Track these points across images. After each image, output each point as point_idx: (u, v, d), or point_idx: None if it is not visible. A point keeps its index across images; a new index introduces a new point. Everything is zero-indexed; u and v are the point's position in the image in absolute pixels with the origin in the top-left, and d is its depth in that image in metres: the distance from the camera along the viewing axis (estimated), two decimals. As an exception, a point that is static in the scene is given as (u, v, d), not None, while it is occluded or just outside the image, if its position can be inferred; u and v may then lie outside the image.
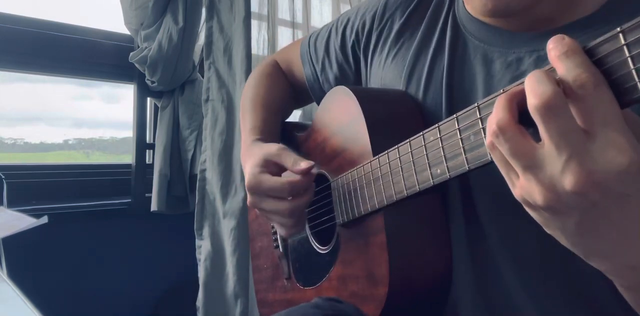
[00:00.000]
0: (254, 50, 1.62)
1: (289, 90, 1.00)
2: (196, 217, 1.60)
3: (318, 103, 0.94)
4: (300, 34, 1.84)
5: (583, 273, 0.59)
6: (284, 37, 1.82)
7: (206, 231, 1.59)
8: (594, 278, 0.58)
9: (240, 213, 1.52)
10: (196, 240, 1.61)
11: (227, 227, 1.54)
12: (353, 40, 0.86)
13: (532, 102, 0.37)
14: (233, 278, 1.52)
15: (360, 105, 0.69)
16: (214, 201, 1.59)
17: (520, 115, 0.39)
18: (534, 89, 0.37)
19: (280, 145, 0.77)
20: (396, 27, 0.79)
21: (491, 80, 0.63)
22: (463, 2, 0.70)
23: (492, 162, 0.46)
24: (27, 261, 1.48)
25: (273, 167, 0.75)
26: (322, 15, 1.95)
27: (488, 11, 0.60)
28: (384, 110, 0.69)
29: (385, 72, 0.78)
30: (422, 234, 0.65)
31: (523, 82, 0.39)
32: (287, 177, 0.74)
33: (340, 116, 0.75)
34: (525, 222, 0.59)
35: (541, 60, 0.60)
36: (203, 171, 1.61)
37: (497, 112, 0.39)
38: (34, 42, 1.60)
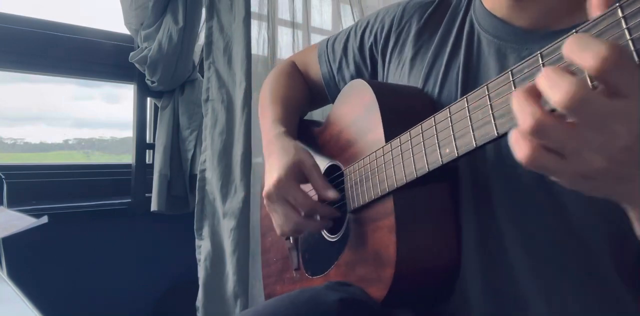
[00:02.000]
0: (254, 50, 1.62)
1: (306, 89, 1.04)
2: (196, 217, 1.60)
3: (333, 102, 0.97)
4: (300, 34, 1.84)
5: (595, 265, 0.60)
6: (284, 37, 1.82)
7: (206, 231, 1.59)
8: (606, 270, 0.59)
9: (240, 213, 1.52)
10: (196, 240, 1.61)
11: (226, 227, 1.54)
12: (371, 42, 0.89)
13: (558, 98, 0.36)
14: (233, 278, 1.52)
15: (376, 96, 0.71)
16: (213, 201, 1.59)
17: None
18: (556, 84, 0.36)
19: (314, 162, 0.79)
20: (414, 29, 0.82)
21: None
22: (481, 0, 0.73)
23: (499, 137, 0.48)
24: (27, 261, 1.48)
25: (302, 176, 0.78)
26: (322, 15, 1.95)
27: None
28: (398, 103, 0.71)
29: (403, 73, 0.80)
30: (431, 219, 0.66)
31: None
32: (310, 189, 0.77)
33: (356, 107, 0.77)
34: (538, 210, 0.61)
35: None
36: (203, 171, 1.61)
37: (524, 109, 0.38)
38: (34, 42, 1.60)
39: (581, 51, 0.35)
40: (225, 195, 1.55)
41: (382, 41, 0.87)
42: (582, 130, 0.36)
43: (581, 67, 0.35)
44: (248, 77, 1.55)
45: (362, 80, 0.76)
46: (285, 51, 1.79)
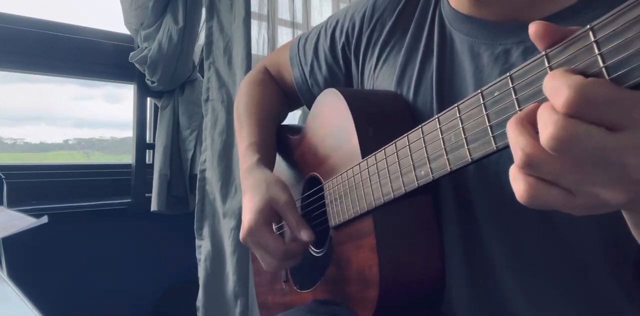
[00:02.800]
0: (254, 50, 1.62)
1: (280, 97, 1.00)
2: (196, 217, 1.60)
3: (307, 106, 0.94)
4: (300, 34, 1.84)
5: (587, 274, 0.58)
6: (284, 37, 1.82)
7: (206, 231, 1.59)
8: (597, 284, 0.58)
9: (240, 213, 1.52)
10: (196, 240, 1.61)
11: (227, 227, 1.54)
12: (343, 42, 0.85)
13: (544, 139, 0.33)
14: (233, 278, 1.52)
15: (349, 108, 0.69)
16: (213, 201, 1.59)
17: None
18: (543, 123, 0.33)
19: (287, 195, 0.76)
20: (387, 27, 0.78)
21: (480, 74, 0.63)
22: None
23: (473, 162, 0.45)
24: (27, 261, 1.48)
25: (275, 216, 0.77)
26: (322, 15, 1.95)
27: None
28: (373, 112, 0.69)
29: (377, 75, 0.78)
30: (413, 235, 0.65)
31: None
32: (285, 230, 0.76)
33: (331, 118, 0.75)
34: (524, 219, 0.59)
35: (529, 52, 0.59)
36: (203, 171, 1.61)
37: (517, 142, 0.35)
38: (34, 42, 1.60)
39: (552, 93, 0.32)
40: (225, 195, 1.55)
41: (354, 41, 0.83)
42: (584, 166, 0.33)
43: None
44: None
45: (335, 90, 0.74)
46: (285, 51, 1.79)
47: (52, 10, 1.70)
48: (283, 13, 1.82)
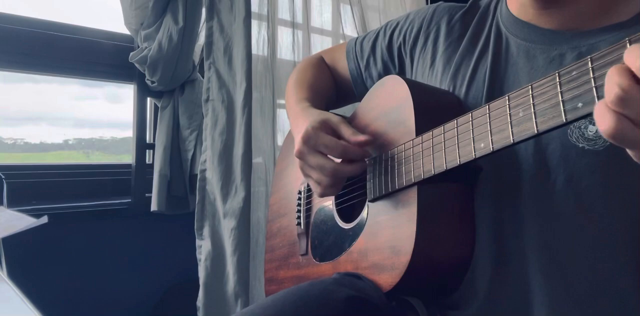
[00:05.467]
0: (254, 50, 1.62)
1: (333, 82, 1.05)
2: (196, 216, 1.60)
3: (360, 99, 0.97)
4: (300, 34, 1.84)
5: (616, 274, 0.59)
6: (284, 37, 1.82)
7: (206, 231, 1.59)
8: (628, 280, 0.59)
9: (241, 213, 1.52)
10: (196, 240, 1.61)
11: (227, 227, 1.54)
12: (400, 42, 0.91)
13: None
14: (233, 278, 1.52)
15: (410, 91, 0.72)
16: (214, 201, 1.59)
17: None
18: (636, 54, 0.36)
19: (339, 117, 0.79)
20: (443, 31, 0.83)
21: (535, 74, 0.66)
22: (506, 4, 0.75)
23: (538, 135, 0.48)
24: (27, 261, 1.48)
25: (330, 131, 0.76)
26: (322, 15, 1.95)
27: (537, 1, 0.65)
28: (430, 100, 0.73)
29: (431, 73, 0.82)
30: (451, 212, 0.68)
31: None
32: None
33: (389, 100, 0.78)
34: (561, 211, 0.61)
35: (583, 56, 0.62)
36: (203, 171, 1.61)
37: (613, 79, 0.38)
38: (34, 42, 1.60)
39: None
40: (225, 195, 1.55)
41: (411, 41, 0.89)
42: None
43: None
44: (248, 77, 1.55)
45: (397, 76, 0.78)
46: (285, 51, 1.79)
47: (52, 10, 1.70)
48: (283, 13, 1.81)
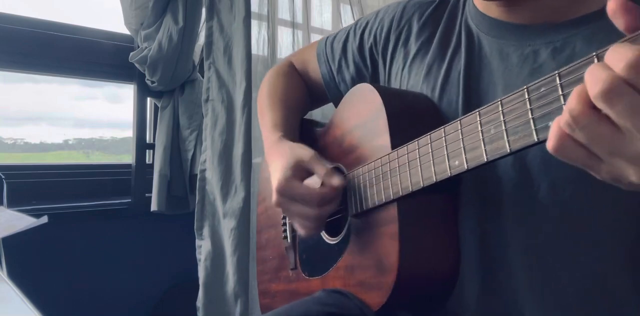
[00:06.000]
0: (254, 50, 1.62)
1: (304, 89, 1.02)
2: (196, 216, 1.60)
3: (334, 103, 0.96)
4: (300, 34, 1.84)
5: (606, 278, 0.59)
6: (284, 37, 1.82)
7: (206, 231, 1.59)
8: (618, 284, 0.58)
9: (240, 213, 1.52)
10: (196, 240, 1.61)
11: (227, 227, 1.54)
12: (371, 43, 0.88)
13: (593, 91, 0.35)
14: (233, 278, 1.52)
15: (383, 101, 0.70)
16: (214, 201, 1.58)
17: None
18: (591, 79, 0.35)
19: (312, 152, 0.77)
20: (414, 30, 0.81)
21: (509, 74, 0.65)
22: (473, 2, 0.73)
23: (511, 153, 0.47)
24: (27, 261, 1.48)
25: (304, 172, 0.77)
26: (322, 15, 1.95)
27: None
28: (405, 109, 0.71)
29: (404, 74, 0.80)
30: (434, 227, 0.67)
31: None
32: (315, 182, 0.76)
33: (362, 111, 0.77)
34: (545, 219, 0.60)
35: (557, 52, 0.61)
36: (203, 171, 1.61)
37: (569, 103, 0.38)
38: (34, 42, 1.60)
39: (614, 55, 0.34)
40: (225, 195, 1.55)
41: (382, 42, 0.86)
42: (619, 137, 0.36)
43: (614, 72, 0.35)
44: (248, 77, 1.55)
45: (369, 85, 0.76)
46: (285, 51, 1.79)
47: (52, 10, 1.70)
48: (283, 13, 1.81)
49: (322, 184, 0.74)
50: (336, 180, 0.72)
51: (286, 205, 0.76)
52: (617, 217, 0.58)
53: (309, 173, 0.76)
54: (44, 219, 0.88)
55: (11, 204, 1.23)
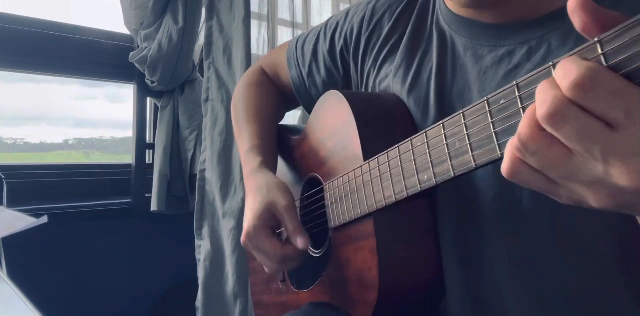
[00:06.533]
0: (254, 50, 1.62)
1: (278, 97, 1.00)
2: (196, 217, 1.60)
3: (305, 107, 0.95)
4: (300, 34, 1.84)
5: (594, 282, 0.58)
6: (284, 37, 1.82)
7: (206, 231, 1.59)
8: (604, 294, 0.58)
9: (240, 213, 1.52)
10: (196, 240, 1.61)
11: (226, 227, 1.54)
12: (342, 46, 0.85)
13: (539, 113, 0.34)
14: (233, 278, 1.52)
15: (352, 110, 0.69)
16: (213, 201, 1.59)
17: None
18: (538, 99, 0.34)
19: (288, 199, 0.75)
20: (385, 31, 0.78)
21: (484, 77, 0.63)
22: (444, 2, 0.70)
23: (477, 168, 0.45)
24: (27, 261, 1.48)
25: (274, 221, 0.76)
26: (322, 15, 1.95)
27: (466, 2, 0.61)
28: (375, 115, 0.69)
29: (376, 77, 0.78)
30: (413, 238, 0.65)
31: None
32: (283, 236, 0.76)
33: (333, 120, 0.76)
34: (528, 226, 0.59)
35: (533, 52, 0.59)
36: (203, 171, 1.61)
37: (519, 126, 0.36)
38: (34, 42, 1.60)
39: (563, 72, 0.33)
40: (225, 195, 1.55)
41: (352, 44, 0.83)
42: (571, 162, 0.34)
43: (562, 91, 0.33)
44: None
45: (338, 92, 0.74)
46: (285, 51, 1.79)
47: (52, 10, 1.70)
48: (283, 13, 1.82)
49: (287, 241, 0.74)
50: (301, 243, 0.72)
51: (252, 249, 0.77)
52: (602, 225, 0.56)
53: (279, 222, 0.76)
54: (44, 219, 0.88)
55: (11, 204, 1.23)
